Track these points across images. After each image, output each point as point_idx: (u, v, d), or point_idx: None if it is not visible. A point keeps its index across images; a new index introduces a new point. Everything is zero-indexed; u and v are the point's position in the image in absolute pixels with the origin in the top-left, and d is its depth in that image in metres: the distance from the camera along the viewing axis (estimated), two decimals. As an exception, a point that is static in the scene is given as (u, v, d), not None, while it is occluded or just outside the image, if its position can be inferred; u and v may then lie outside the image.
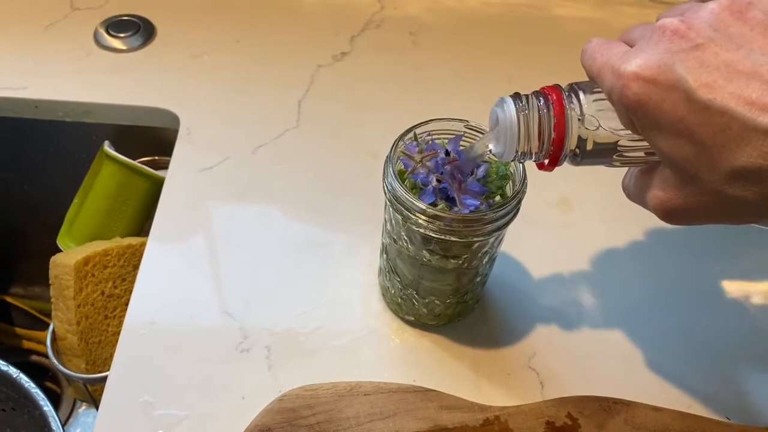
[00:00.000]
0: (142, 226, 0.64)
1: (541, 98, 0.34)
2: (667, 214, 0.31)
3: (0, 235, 0.83)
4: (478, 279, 0.46)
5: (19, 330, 0.82)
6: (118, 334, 0.47)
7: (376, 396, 0.43)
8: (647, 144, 0.31)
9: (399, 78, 0.67)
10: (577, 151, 0.34)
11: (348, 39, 0.70)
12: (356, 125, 0.62)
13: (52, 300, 0.58)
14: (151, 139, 0.66)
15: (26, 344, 0.82)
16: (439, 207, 0.39)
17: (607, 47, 0.31)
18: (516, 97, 0.35)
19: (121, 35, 0.67)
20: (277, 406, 0.42)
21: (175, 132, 0.60)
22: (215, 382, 0.45)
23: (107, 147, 0.62)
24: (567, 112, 0.33)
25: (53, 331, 0.59)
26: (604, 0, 0.76)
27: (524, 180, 0.40)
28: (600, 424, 0.43)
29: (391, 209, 0.41)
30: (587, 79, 0.34)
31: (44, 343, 0.80)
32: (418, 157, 0.41)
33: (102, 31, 0.68)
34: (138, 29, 0.68)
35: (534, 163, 0.36)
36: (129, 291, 0.58)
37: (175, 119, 0.61)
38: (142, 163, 0.63)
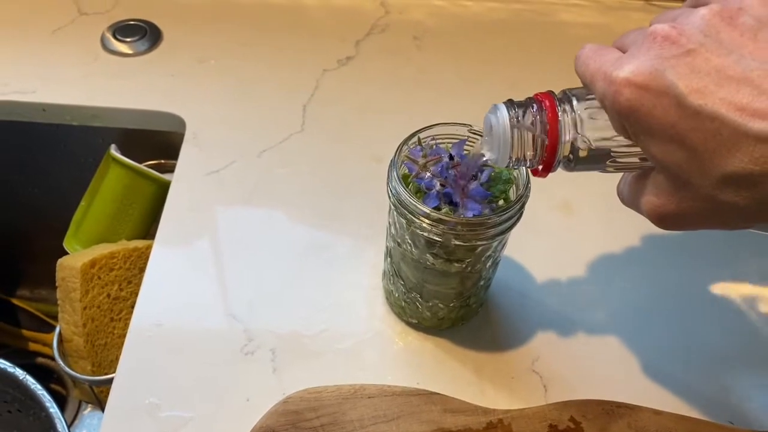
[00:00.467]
0: (148, 229, 0.64)
1: (534, 105, 0.34)
2: (660, 219, 0.32)
3: (7, 238, 0.84)
4: (482, 283, 0.46)
5: (25, 332, 0.83)
6: (124, 336, 0.48)
7: (379, 399, 0.43)
8: (640, 150, 0.31)
9: (403, 82, 0.67)
10: (571, 157, 0.34)
11: (353, 44, 0.70)
12: (361, 129, 0.62)
13: (59, 302, 0.59)
14: (157, 143, 0.67)
15: (32, 346, 0.83)
16: (443, 211, 0.39)
17: (600, 53, 0.31)
18: (509, 103, 0.35)
19: (128, 40, 0.68)
20: (281, 408, 0.43)
21: (182, 136, 0.60)
22: (220, 384, 0.45)
23: (114, 150, 0.63)
24: (560, 119, 0.34)
25: (59, 333, 0.59)
26: (608, 5, 0.76)
27: (527, 184, 0.40)
28: (603, 428, 0.43)
29: (395, 213, 0.41)
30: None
31: (50, 346, 0.81)
32: (422, 162, 0.42)
33: (109, 36, 0.68)
34: (145, 34, 0.68)
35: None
36: (135, 294, 0.58)
37: (182, 123, 0.61)
38: (149, 166, 0.64)
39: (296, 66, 0.67)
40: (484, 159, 0.37)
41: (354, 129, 0.62)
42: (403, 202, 0.40)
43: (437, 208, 0.39)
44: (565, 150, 0.34)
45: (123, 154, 0.63)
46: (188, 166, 0.58)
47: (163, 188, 0.60)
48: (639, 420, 0.44)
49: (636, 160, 0.34)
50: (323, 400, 0.43)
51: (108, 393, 0.45)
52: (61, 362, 0.59)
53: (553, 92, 0.35)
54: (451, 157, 0.41)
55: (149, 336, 0.47)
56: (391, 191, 0.40)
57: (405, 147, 0.42)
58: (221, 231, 0.54)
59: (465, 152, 0.41)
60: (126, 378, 0.45)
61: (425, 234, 0.40)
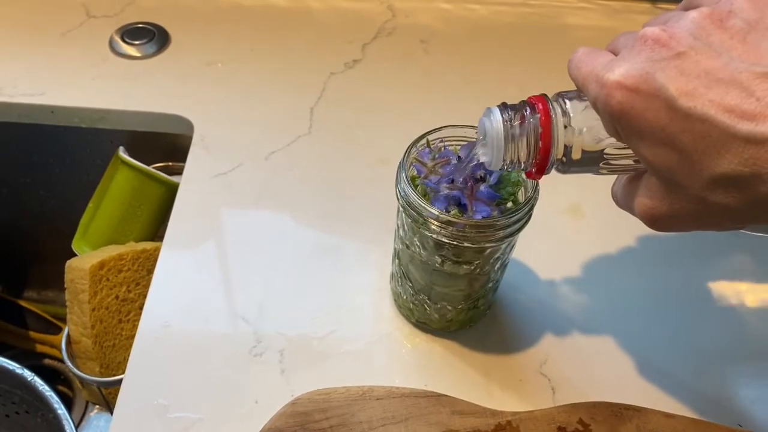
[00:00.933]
0: (156, 231, 0.65)
1: (528, 108, 0.34)
2: (652, 221, 0.32)
3: (15, 240, 0.84)
4: (490, 285, 0.46)
5: (32, 334, 0.83)
6: (132, 337, 0.48)
7: (388, 400, 0.43)
8: (632, 152, 0.31)
9: (410, 85, 0.67)
10: (564, 159, 0.34)
11: (360, 47, 0.70)
12: (368, 132, 0.62)
13: (67, 304, 0.59)
14: (165, 145, 0.67)
15: (39, 348, 0.83)
16: (452, 213, 0.40)
17: (592, 56, 0.31)
18: (503, 107, 0.35)
19: (136, 43, 0.68)
20: (290, 409, 0.43)
21: (189, 138, 0.61)
22: (229, 385, 0.45)
23: (122, 152, 0.63)
24: (553, 122, 0.34)
25: (68, 335, 0.60)
26: (614, 9, 0.76)
27: (536, 186, 0.40)
28: (611, 430, 0.43)
29: (403, 215, 0.41)
30: None
31: (57, 347, 0.81)
32: (430, 164, 0.42)
33: (117, 39, 0.69)
34: (153, 37, 0.69)
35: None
36: (143, 295, 0.58)
37: (189, 126, 0.62)
38: (157, 168, 0.64)
39: (303, 69, 0.68)
40: (479, 162, 0.37)
41: (361, 131, 0.62)
42: (412, 204, 0.40)
43: (446, 210, 0.40)
44: (558, 152, 0.34)
45: (131, 156, 0.63)
46: (196, 168, 0.58)
47: (172, 190, 0.61)
48: (648, 422, 0.44)
49: (629, 162, 0.34)
50: (332, 402, 0.43)
51: (116, 394, 0.45)
52: (69, 363, 0.59)
53: (546, 95, 0.35)
54: (459, 160, 0.41)
55: (158, 337, 0.48)
56: (399, 193, 0.41)
57: (414, 149, 0.42)
58: (229, 233, 0.54)
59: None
60: (135, 379, 0.46)
61: (434, 236, 0.40)
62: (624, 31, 0.33)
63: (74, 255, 0.63)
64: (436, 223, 0.39)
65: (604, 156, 0.34)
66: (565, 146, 0.34)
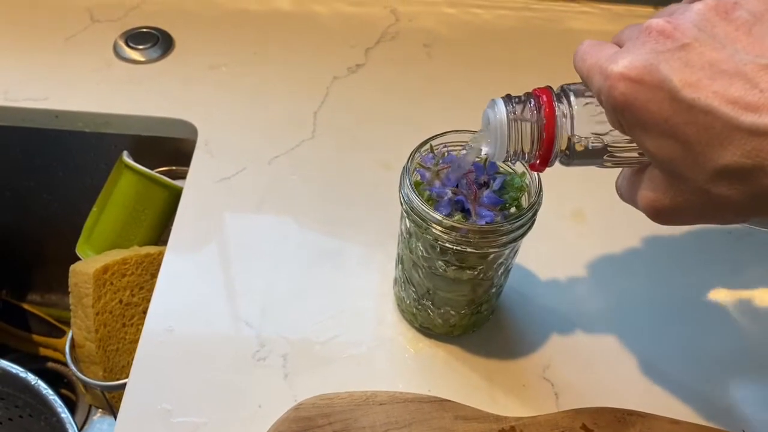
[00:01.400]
0: (160, 235, 0.65)
1: (532, 100, 0.34)
2: (656, 213, 0.32)
3: (18, 243, 0.84)
4: (494, 290, 0.46)
5: (35, 337, 0.83)
6: (136, 341, 0.48)
7: (391, 405, 0.43)
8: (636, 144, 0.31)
9: (413, 90, 0.67)
10: (568, 152, 0.34)
11: (363, 51, 0.71)
12: (371, 136, 0.62)
13: (71, 308, 0.59)
14: (169, 150, 0.67)
15: (43, 351, 0.83)
16: (456, 218, 0.40)
17: (597, 49, 0.32)
18: (507, 98, 0.35)
19: (140, 47, 0.68)
20: (293, 414, 0.43)
21: (193, 142, 0.61)
22: (232, 390, 0.45)
23: (126, 157, 0.63)
24: (557, 113, 0.34)
25: (72, 339, 0.60)
26: (616, 13, 0.77)
27: (540, 192, 0.40)
28: (615, 436, 0.43)
29: (407, 220, 0.41)
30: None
31: (60, 351, 0.81)
32: (434, 169, 0.42)
33: (121, 43, 0.69)
34: (157, 41, 0.69)
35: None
36: (146, 299, 0.58)
37: (193, 130, 0.62)
38: (160, 173, 0.64)
39: (307, 73, 0.68)
40: (482, 154, 0.37)
41: (364, 136, 0.62)
42: (416, 209, 0.40)
43: (449, 216, 0.40)
44: (562, 144, 0.34)
45: (135, 160, 0.63)
46: (200, 172, 0.58)
47: (175, 194, 0.61)
48: (652, 428, 0.44)
49: (634, 154, 0.34)
50: (335, 407, 0.43)
51: (119, 398, 0.45)
52: (73, 367, 0.59)
53: (551, 87, 0.35)
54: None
55: (161, 341, 0.48)
56: (403, 198, 0.41)
57: (417, 154, 0.42)
58: (232, 237, 0.54)
59: (477, 159, 0.41)
60: (138, 383, 0.46)
61: (437, 241, 0.40)
62: (630, 24, 0.33)
63: (78, 259, 0.63)
64: (439, 228, 0.39)
65: (608, 149, 0.34)
66: (569, 138, 0.34)
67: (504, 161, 0.36)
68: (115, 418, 0.45)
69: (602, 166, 0.35)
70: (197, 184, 0.57)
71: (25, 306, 0.85)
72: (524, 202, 0.42)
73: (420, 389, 0.46)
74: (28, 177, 0.75)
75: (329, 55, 0.70)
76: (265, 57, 0.69)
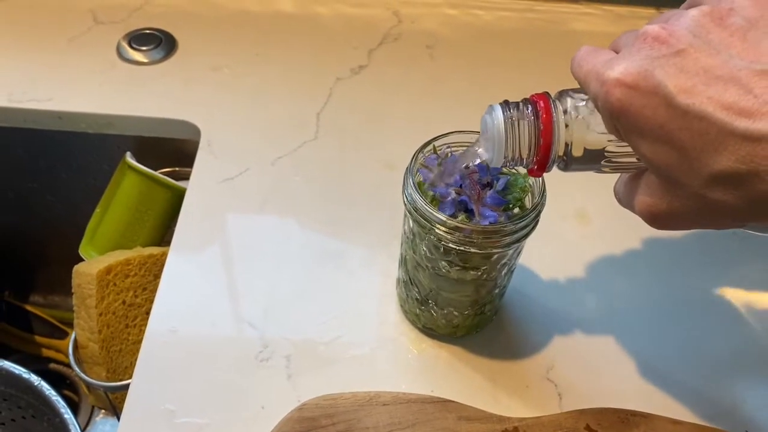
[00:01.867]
0: (163, 236, 0.65)
1: (529, 105, 0.35)
2: (652, 218, 0.32)
3: (21, 244, 0.84)
4: (497, 290, 0.46)
5: (38, 338, 0.83)
6: (139, 342, 0.48)
7: (395, 406, 0.43)
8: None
9: (416, 91, 0.67)
10: (565, 157, 0.35)
11: (366, 52, 0.71)
12: (374, 137, 0.62)
13: (75, 308, 0.59)
14: (172, 151, 0.67)
15: (45, 352, 0.83)
16: (459, 218, 0.40)
17: (594, 55, 0.32)
18: (504, 104, 0.35)
19: (143, 48, 0.68)
20: (296, 415, 0.43)
21: (196, 143, 0.61)
22: (235, 390, 0.46)
23: (129, 158, 0.63)
24: (554, 119, 0.34)
25: (75, 340, 0.60)
26: (619, 14, 0.77)
27: (543, 192, 0.40)
28: (619, 437, 0.43)
29: (410, 220, 0.42)
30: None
31: (63, 351, 0.81)
32: (437, 170, 0.42)
33: (124, 45, 0.69)
34: (160, 42, 0.69)
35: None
36: (149, 300, 0.58)
37: (196, 131, 0.62)
38: (164, 174, 0.64)
39: (310, 74, 0.68)
40: (480, 159, 0.37)
41: (367, 137, 0.62)
42: (419, 209, 0.40)
43: (453, 216, 0.40)
44: (559, 150, 0.34)
45: (138, 161, 0.63)
46: (203, 173, 0.58)
47: (178, 195, 0.61)
48: (655, 429, 0.44)
49: (631, 160, 0.34)
50: (338, 407, 0.43)
51: (123, 399, 0.46)
52: (76, 368, 0.59)
53: (548, 93, 0.35)
54: (466, 166, 0.41)
55: (164, 342, 0.48)
56: (406, 198, 0.41)
57: (420, 155, 0.42)
58: (235, 238, 0.54)
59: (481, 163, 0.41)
60: (142, 384, 0.46)
61: (441, 242, 0.40)
62: (626, 31, 0.33)
63: (81, 260, 0.63)
64: (443, 228, 0.39)
65: (605, 154, 0.34)
66: (566, 144, 0.34)
67: (502, 167, 0.36)
68: (118, 419, 0.45)
69: (600, 171, 0.35)
70: (200, 185, 0.57)
71: (28, 307, 0.85)
72: (528, 202, 0.42)
73: (423, 390, 0.46)
74: (32, 178, 0.75)
75: (332, 56, 0.70)
76: (268, 58, 0.70)
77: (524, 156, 0.35)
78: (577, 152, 0.34)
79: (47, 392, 0.61)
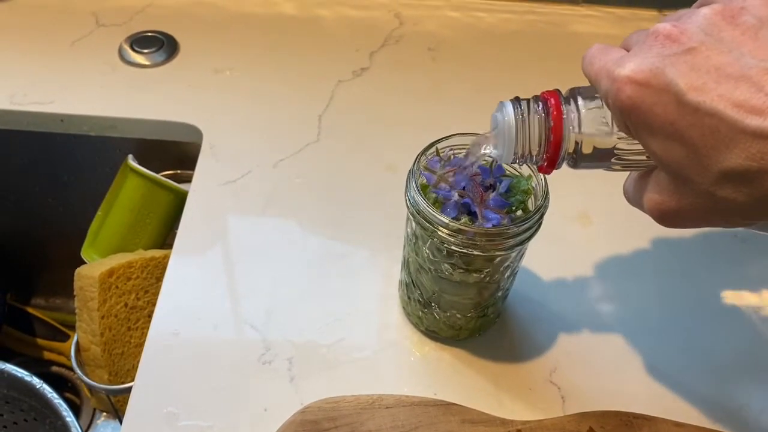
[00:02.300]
0: (165, 238, 0.65)
1: (540, 102, 0.35)
2: (661, 216, 0.32)
3: (23, 247, 0.84)
4: (500, 293, 0.46)
5: (40, 341, 0.83)
6: (141, 345, 0.48)
7: (397, 409, 0.43)
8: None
9: (418, 93, 0.67)
10: (575, 154, 0.35)
11: (368, 55, 0.71)
12: (376, 140, 0.62)
13: (77, 311, 0.59)
14: (174, 153, 0.67)
15: (47, 355, 0.83)
16: (462, 221, 0.40)
17: (605, 52, 0.32)
18: (515, 101, 0.35)
19: (145, 51, 0.68)
20: (299, 418, 0.43)
21: (198, 146, 0.61)
22: (238, 393, 0.45)
23: (131, 161, 0.63)
24: (564, 116, 0.34)
25: (77, 342, 0.60)
26: (620, 16, 0.77)
27: (546, 194, 0.40)
28: (622, 440, 0.43)
29: (413, 223, 0.41)
30: None
31: (65, 354, 0.81)
32: (440, 172, 0.42)
33: (126, 47, 0.69)
34: (162, 45, 0.69)
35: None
36: (151, 303, 0.58)
37: (198, 133, 0.62)
38: (166, 176, 0.64)
39: (311, 77, 0.68)
40: (490, 156, 0.37)
41: (369, 139, 0.62)
42: (422, 212, 0.40)
43: (456, 218, 0.40)
44: (569, 147, 0.34)
45: (140, 164, 0.63)
46: (205, 175, 0.58)
47: (180, 198, 0.61)
48: (658, 431, 0.43)
49: (641, 158, 0.34)
50: (341, 410, 0.43)
51: (125, 402, 0.45)
52: (78, 371, 0.59)
53: (559, 90, 0.35)
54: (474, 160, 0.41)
55: (167, 345, 0.48)
56: (409, 201, 0.41)
57: (423, 157, 0.42)
58: (238, 240, 0.54)
59: (483, 162, 0.41)
60: (144, 387, 0.46)
61: (444, 244, 0.40)
62: (637, 29, 0.33)
63: (82, 262, 0.63)
64: (445, 231, 0.39)
65: (615, 152, 0.34)
66: (576, 141, 0.34)
67: (511, 163, 0.36)
68: (120, 422, 0.45)
69: (610, 169, 0.35)
70: (202, 188, 0.57)
71: (30, 310, 0.85)
72: (531, 204, 0.42)
73: (426, 393, 0.45)
74: (34, 181, 0.75)
75: (334, 58, 0.70)
76: (270, 61, 0.70)
77: (534, 152, 0.35)
78: (587, 149, 0.34)
79: (49, 395, 0.61)
